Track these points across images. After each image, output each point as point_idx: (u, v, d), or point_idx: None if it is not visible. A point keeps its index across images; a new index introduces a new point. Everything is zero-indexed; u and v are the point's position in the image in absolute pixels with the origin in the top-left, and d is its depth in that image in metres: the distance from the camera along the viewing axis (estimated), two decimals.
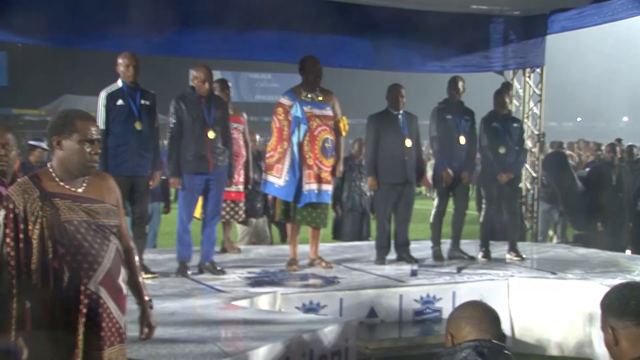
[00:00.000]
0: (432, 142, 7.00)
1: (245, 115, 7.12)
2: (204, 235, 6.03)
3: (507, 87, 7.29)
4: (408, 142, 6.63)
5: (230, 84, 7.20)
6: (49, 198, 2.67)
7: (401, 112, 6.70)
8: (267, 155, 6.28)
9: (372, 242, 7.86)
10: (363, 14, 7.69)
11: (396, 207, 6.73)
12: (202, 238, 6.04)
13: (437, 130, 6.88)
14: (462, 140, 6.86)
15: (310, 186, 6.13)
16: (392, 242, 6.83)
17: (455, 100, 6.95)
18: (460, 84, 6.95)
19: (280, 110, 6.17)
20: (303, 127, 6.09)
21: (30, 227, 2.62)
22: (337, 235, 8.59)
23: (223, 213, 6.69)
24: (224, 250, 7.08)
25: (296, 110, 6.10)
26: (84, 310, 2.66)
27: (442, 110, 6.92)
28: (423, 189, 8.87)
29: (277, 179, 6.14)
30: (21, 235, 2.61)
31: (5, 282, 2.59)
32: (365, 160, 7.12)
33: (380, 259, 6.64)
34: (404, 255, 6.72)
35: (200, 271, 5.95)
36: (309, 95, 6.19)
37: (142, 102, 5.67)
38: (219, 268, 5.99)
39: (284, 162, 6.11)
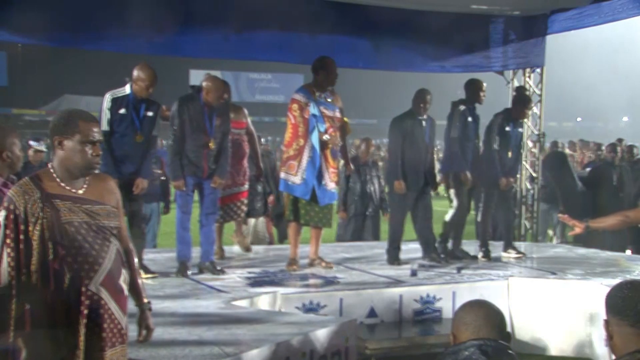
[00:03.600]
0: (452, 144, 6.88)
1: (246, 112, 6.87)
2: (202, 235, 6.02)
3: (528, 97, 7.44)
4: (428, 150, 6.66)
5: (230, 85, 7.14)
6: (50, 199, 2.67)
7: (425, 117, 6.67)
8: (283, 151, 6.18)
9: (372, 242, 7.85)
10: (363, 14, 7.67)
11: (415, 210, 6.71)
12: (201, 238, 6.03)
13: (459, 131, 6.80)
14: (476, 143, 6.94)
15: (331, 186, 6.12)
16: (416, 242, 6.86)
17: (477, 103, 6.94)
18: (484, 87, 6.92)
19: (295, 106, 6.05)
20: (322, 127, 6.02)
21: (30, 228, 2.62)
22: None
23: (230, 214, 6.68)
24: (221, 256, 6.84)
25: (314, 109, 6.02)
26: (85, 311, 2.67)
27: (465, 111, 6.85)
28: (441, 189, 8.72)
29: (293, 177, 6.06)
30: (21, 236, 2.61)
31: (5, 283, 2.59)
32: (389, 163, 6.93)
33: (393, 260, 6.59)
34: (433, 255, 6.71)
35: (200, 271, 5.94)
36: (322, 96, 6.13)
37: (146, 113, 5.64)
38: (219, 268, 5.99)
39: (301, 159, 6.01)
